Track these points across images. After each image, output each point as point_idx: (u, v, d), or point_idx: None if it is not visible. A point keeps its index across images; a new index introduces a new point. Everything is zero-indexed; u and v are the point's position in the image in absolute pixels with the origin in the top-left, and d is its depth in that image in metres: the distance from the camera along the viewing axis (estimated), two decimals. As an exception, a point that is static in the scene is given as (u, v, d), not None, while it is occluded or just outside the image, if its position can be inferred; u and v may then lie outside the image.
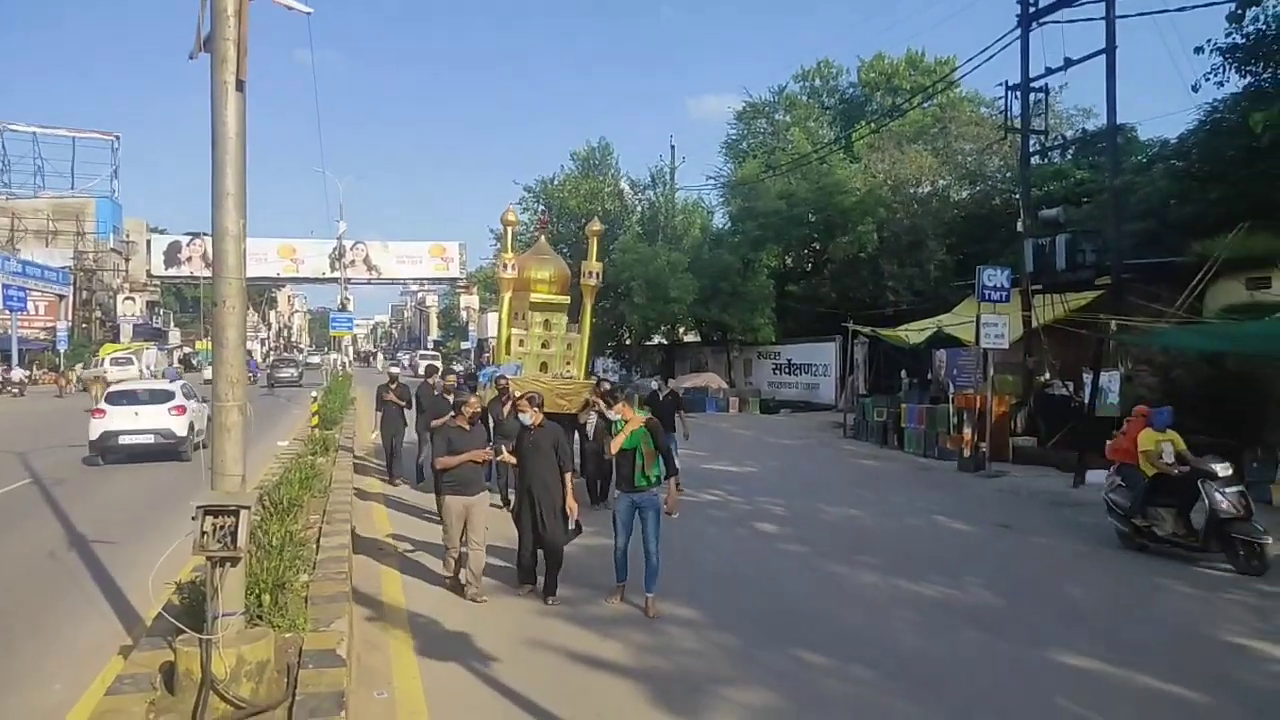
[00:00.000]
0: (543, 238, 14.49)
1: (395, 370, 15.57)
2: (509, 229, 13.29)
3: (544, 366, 12.81)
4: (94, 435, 15.67)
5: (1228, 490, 9.26)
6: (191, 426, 16.25)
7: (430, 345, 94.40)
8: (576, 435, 12.15)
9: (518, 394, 10.34)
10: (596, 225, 14.03)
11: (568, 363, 12.97)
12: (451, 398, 11.13)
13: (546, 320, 12.91)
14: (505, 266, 12.83)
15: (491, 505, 9.17)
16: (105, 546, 9.20)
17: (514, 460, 7.86)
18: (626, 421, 7.42)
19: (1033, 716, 5.47)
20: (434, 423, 10.26)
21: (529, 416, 7.76)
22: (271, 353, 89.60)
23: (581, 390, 12.07)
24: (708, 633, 6.87)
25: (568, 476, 7.67)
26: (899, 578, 8.36)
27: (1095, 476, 14.79)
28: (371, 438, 15.81)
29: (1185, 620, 7.52)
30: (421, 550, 9.35)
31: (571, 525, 7.68)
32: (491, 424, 10.78)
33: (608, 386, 10.90)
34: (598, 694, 5.64)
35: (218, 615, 4.54)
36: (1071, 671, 6.20)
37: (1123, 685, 5.93)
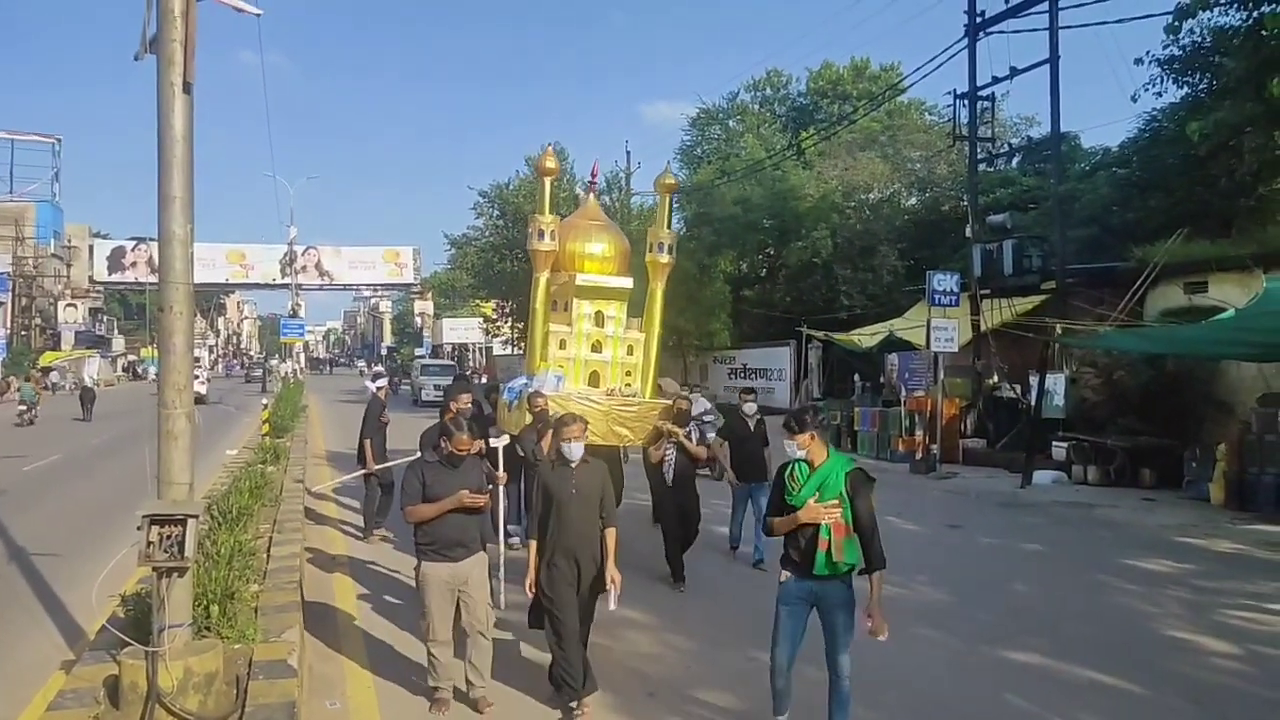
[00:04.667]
0: (591, 197, 10.46)
1: (383, 384, 11.84)
2: (547, 179, 9.44)
3: (595, 378, 9.22)
4: None
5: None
6: None
7: (384, 352, 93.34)
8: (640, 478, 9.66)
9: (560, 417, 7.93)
10: (669, 178, 10.16)
11: (628, 373, 9.33)
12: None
13: (599, 312, 9.20)
14: (540, 234, 9.13)
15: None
16: (47, 559, 8.94)
17: (479, 503, 5.39)
18: (811, 464, 4.72)
19: (981, 712, 5.58)
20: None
21: (579, 446, 5.43)
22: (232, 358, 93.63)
23: (649, 414, 8.74)
24: (664, 635, 6.89)
25: (610, 534, 5.46)
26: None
27: (1041, 478, 15.17)
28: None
29: (1128, 616, 7.72)
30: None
31: (612, 603, 5.48)
32: (523, 459, 8.28)
33: (687, 405, 9.00)
34: None
35: (164, 627, 4.46)
36: (1019, 667, 6.34)
37: (1068, 680, 6.07)
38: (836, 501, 4.56)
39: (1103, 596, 8.35)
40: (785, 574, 4.82)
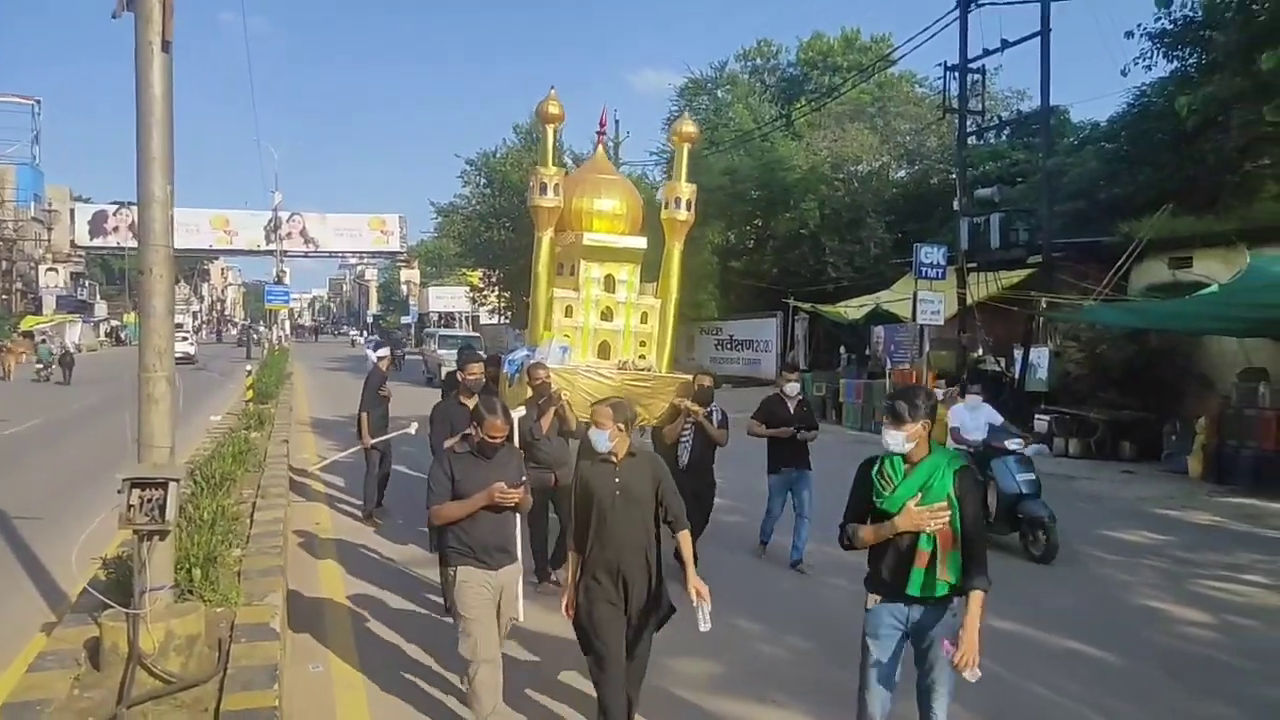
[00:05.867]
0: (600, 148, 9.75)
1: (385, 354, 10.84)
2: (550, 127, 8.60)
3: (605, 348, 8.50)
4: None
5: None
6: None
7: (370, 320, 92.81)
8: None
9: (566, 395, 7.31)
10: (688, 125, 9.20)
11: (641, 343, 8.61)
12: (471, 402, 6.42)
13: (609, 276, 8.47)
14: (543, 188, 8.29)
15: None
16: (27, 523, 8.91)
17: (514, 499, 4.48)
18: (908, 459, 3.86)
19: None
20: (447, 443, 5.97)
21: (607, 436, 4.36)
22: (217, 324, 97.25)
23: (666, 389, 7.99)
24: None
25: (684, 538, 4.57)
26: (832, 546, 8.52)
27: (1024, 449, 15.30)
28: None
29: (1107, 586, 7.82)
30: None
31: (702, 623, 4.25)
32: (518, 442, 6.48)
33: (709, 383, 7.87)
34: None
35: (145, 590, 4.45)
36: (995, 635, 6.38)
37: (1048, 649, 6.16)
38: (944, 504, 3.74)
39: (1082, 567, 8.45)
40: (872, 598, 3.98)
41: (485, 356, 8.81)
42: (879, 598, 3.95)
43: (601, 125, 9.73)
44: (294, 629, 5.99)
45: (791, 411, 8.06)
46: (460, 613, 4.44)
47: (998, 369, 18.25)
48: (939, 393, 7.79)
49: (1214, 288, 11.21)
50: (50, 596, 6.76)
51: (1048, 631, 6.44)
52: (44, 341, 36.00)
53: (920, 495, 3.77)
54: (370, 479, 9.68)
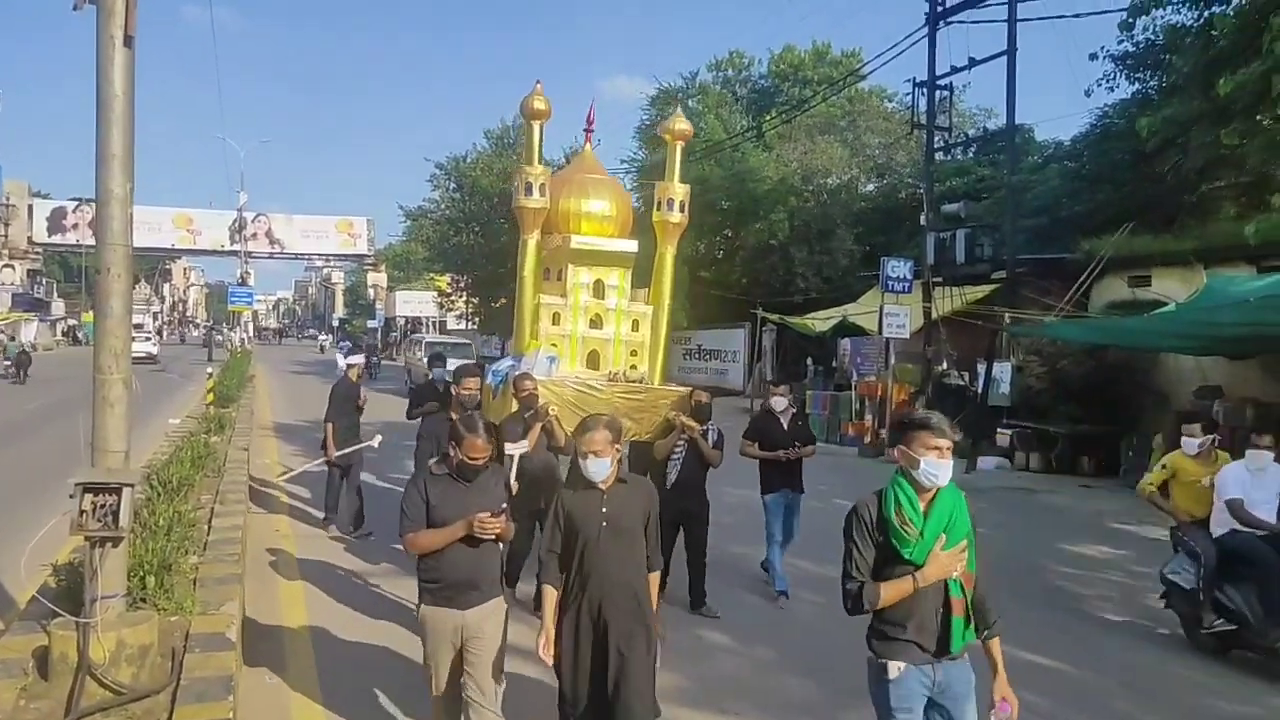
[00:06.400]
0: (588, 147, 9.30)
1: (357, 362, 10.11)
2: (536, 124, 8.10)
3: (594, 358, 8.10)
4: None
5: None
6: None
7: (336, 324, 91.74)
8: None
9: (554, 409, 6.84)
10: (681, 122, 8.69)
11: (632, 353, 8.19)
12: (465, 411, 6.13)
13: (599, 281, 8.09)
14: (529, 189, 7.85)
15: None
16: (-25, 527, 8.67)
17: (494, 530, 3.99)
18: (920, 488, 3.32)
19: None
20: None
21: (608, 464, 3.94)
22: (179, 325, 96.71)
23: (659, 402, 7.55)
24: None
25: (653, 579, 4.10)
26: (800, 559, 8.53)
27: (985, 463, 15.52)
28: (376, 444, 9.05)
29: (1065, 598, 7.95)
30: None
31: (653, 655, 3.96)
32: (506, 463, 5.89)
33: (706, 399, 7.34)
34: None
35: (97, 598, 4.35)
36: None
37: (1007, 660, 6.18)
38: (964, 544, 3.24)
39: (1042, 580, 8.55)
40: (895, 665, 3.22)
41: (481, 370, 8.21)
42: (903, 664, 3.22)
43: (589, 123, 9.13)
44: (250, 639, 5.88)
45: (785, 428, 7.59)
46: (425, 648, 4.12)
47: (961, 383, 18.47)
48: (1193, 443, 6.57)
49: (1171, 306, 11.44)
50: (-3, 603, 6.59)
51: (1007, 643, 6.39)
52: (13, 339, 36.33)
53: (944, 536, 3.20)
54: (332, 490, 9.25)
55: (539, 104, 8.07)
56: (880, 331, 17.57)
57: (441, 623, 4.02)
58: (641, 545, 3.99)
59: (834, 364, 23.18)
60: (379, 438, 8.56)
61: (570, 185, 8.37)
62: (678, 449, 7.04)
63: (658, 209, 8.42)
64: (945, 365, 19.02)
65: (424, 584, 4.10)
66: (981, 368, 16.75)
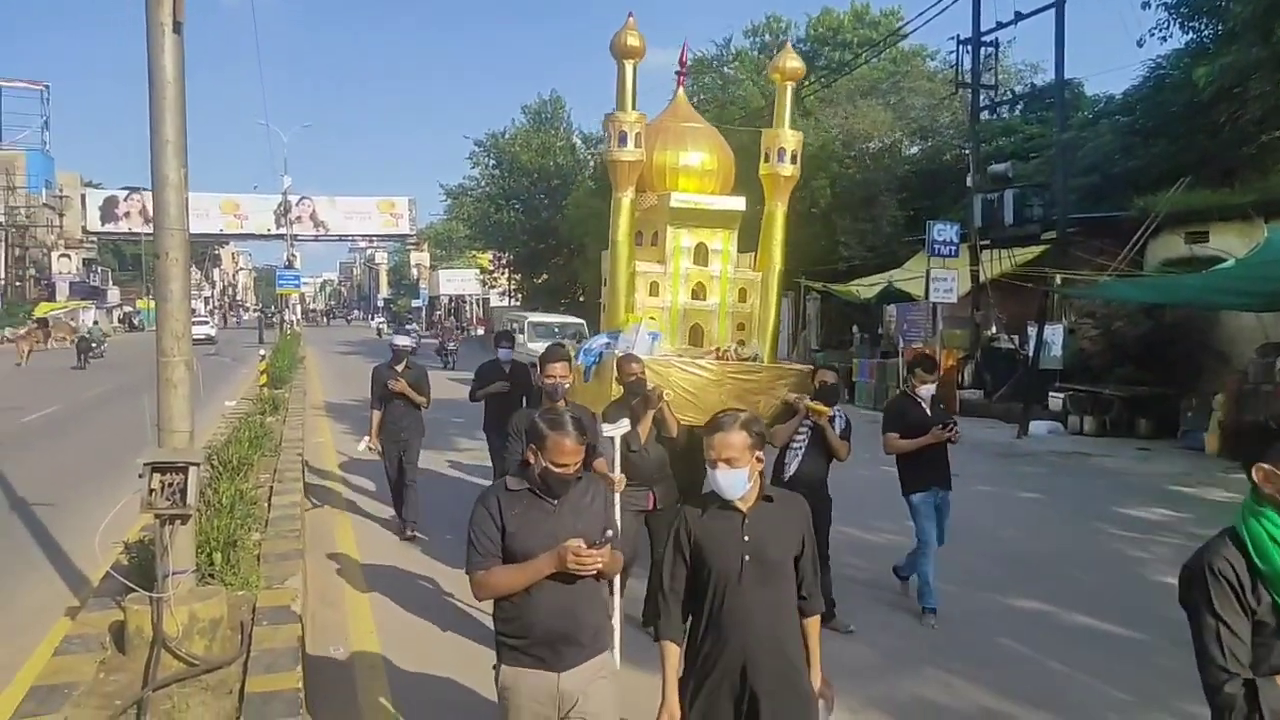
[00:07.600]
0: (680, 91, 7.93)
1: (406, 343, 8.91)
2: (629, 63, 6.73)
3: (696, 333, 7.09)
4: None
5: None
6: None
7: (381, 304, 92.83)
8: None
9: (667, 393, 5.68)
10: (792, 59, 7.49)
11: (740, 326, 7.13)
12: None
13: (701, 245, 7.04)
14: (623, 138, 6.64)
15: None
16: (47, 509, 8.99)
17: (596, 564, 2.90)
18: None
19: (978, 655, 5.66)
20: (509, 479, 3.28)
21: (745, 477, 2.93)
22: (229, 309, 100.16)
23: (776, 383, 6.50)
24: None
25: (812, 625, 3.10)
26: (848, 525, 8.50)
27: (1038, 428, 15.28)
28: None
29: (1122, 563, 7.80)
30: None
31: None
32: (606, 463, 5.20)
33: (832, 379, 6.24)
34: None
35: (168, 573, 4.48)
36: (1013, 613, 6.42)
37: (1064, 625, 6.16)
38: None
39: (1098, 544, 8.44)
40: None
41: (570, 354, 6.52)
42: None
43: (682, 64, 8.09)
44: (314, 612, 6.04)
45: (929, 414, 6.39)
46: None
47: (1011, 347, 18.17)
48: None
49: (1230, 262, 11.11)
50: (71, 581, 6.83)
51: (1063, 607, 6.44)
52: (96, 323, 39.29)
53: None
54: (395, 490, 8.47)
55: (632, 40, 6.72)
56: (927, 297, 17.31)
57: (530, 690, 2.98)
58: (793, 582, 3.01)
59: (880, 331, 22.95)
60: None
61: (665, 135, 7.18)
62: (799, 437, 6.02)
63: (765, 160, 7.17)
64: (995, 329, 18.71)
65: (503, 638, 3.07)
66: (1032, 331, 16.45)
